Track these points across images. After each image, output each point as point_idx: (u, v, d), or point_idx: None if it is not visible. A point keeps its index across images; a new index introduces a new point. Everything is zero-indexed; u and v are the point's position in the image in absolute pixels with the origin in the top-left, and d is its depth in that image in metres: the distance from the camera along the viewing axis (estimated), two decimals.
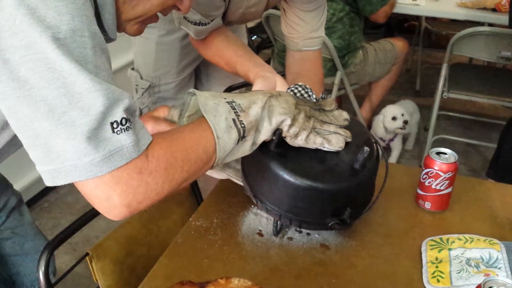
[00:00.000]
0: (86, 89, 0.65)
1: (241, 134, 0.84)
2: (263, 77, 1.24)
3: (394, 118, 2.76)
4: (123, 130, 0.69)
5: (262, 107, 0.87)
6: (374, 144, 1.03)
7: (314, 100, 1.02)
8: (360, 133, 1.05)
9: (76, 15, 0.65)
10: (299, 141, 0.92)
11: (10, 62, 0.63)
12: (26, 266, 1.25)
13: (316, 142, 0.93)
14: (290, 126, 0.89)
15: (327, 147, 0.94)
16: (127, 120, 0.69)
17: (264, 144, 0.93)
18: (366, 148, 0.95)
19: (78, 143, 0.65)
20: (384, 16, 2.69)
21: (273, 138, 0.92)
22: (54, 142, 0.66)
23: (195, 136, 0.81)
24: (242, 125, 0.84)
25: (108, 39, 0.81)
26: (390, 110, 2.78)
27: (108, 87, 0.67)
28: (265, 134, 0.88)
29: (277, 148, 0.94)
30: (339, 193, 0.95)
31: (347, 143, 0.99)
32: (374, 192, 1.05)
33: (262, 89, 1.17)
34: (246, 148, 0.87)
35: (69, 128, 0.65)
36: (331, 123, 0.96)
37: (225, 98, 0.85)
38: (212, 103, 0.83)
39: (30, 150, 0.68)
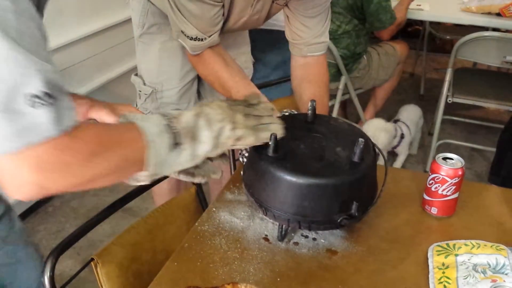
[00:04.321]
0: (1, 55, 0.60)
1: (175, 140, 0.82)
2: None
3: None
4: (41, 105, 0.63)
5: (196, 114, 0.86)
6: (369, 141, 1.06)
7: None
8: (354, 131, 1.10)
9: None
10: (250, 141, 0.93)
11: None
12: (20, 274, 1.23)
13: (265, 137, 0.95)
14: (234, 129, 0.89)
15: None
16: (48, 95, 0.63)
17: (262, 151, 0.98)
18: (361, 140, 0.98)
19: None
20: (389, 34, 2.71)
21: (270, 143, 0.96)
22: None
23: (130, 135, 0.78)
24: (175, 130, 0.83)
25: None
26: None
27: (26, 56, 0.61)
28: (207, 142, 0.86)
29: (275, 153, 0.97)
30: (342, 186, 0.97)
31: (342, 140, 1.04)
32: (377, 189, 1.06)
33: None
34: (185, 158, 0.85)
35: None
36: (264, 116, 0.97)
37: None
38: (141, 116, 0.83)
39: None
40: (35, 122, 0.63)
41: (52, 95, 0.64)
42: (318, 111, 1.17)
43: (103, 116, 1.03)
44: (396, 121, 2.85)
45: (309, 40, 1.48)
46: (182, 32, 1.35)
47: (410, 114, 2.93)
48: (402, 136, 2.79)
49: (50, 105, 0.64)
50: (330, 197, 0.97)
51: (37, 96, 0.62)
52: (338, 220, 0.97)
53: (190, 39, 1.35)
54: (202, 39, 1.35)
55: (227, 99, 0.99)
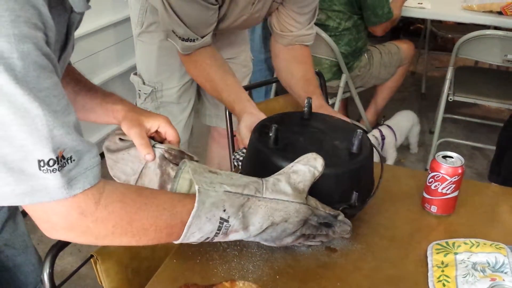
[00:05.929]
0: (10, 120, 0.61)
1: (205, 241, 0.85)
2: (250, 113, 1.25)
3: None
4: (49, 171, 0.65)
5: (251, 235, 0.88)
6: (365, 134, 1.07)
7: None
8: (350, 127, 1.13)
9: (2, 34, 0.59)
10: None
11: None
12: (16, 279, 1.22)
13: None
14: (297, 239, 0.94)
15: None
16: (55, 161, 0.65)
17: (262, 143, 1.01)
18: (359, 131, 1.00)
19: None
20: (383, 30, 2.71)
21: (270, 134, 0.99)
22: None
23: (171, 222, 0.79)
24: (211, 240, 0.85)
25: (79, 13, 0.79)
26: None
27: (33, 122, 0.62)
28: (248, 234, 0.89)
29: (275, 144, 1.00)
30: (342, 176, 0.98)
31: (340, 134, 1.06)
32: (375, 183, 1.08)
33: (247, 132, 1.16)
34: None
35: None
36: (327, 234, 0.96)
37: (224, 210, 0.82)
38: (205, 217, 0.81)
39: None
40: (43, 184, 0.65)
41: (61, 160, 0.65)
42: (312, 91, 1.17)
43: (131, 134, 0.99)
44: (381, 125, 2.87)
45: (298, 33, 1.49)
46: (173, 31, 1.34)
47: (401, 120, 2.92)
48: (382, 137, 2.79)
49: (56, 171, 0.65)
50: (331, 187, 0.98)
51: (46, 163, 0.64)
52: (338, 210, 0.97)
53: (181, 40, 1.34)
54: (193, 40, 1.34)
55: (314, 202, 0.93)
